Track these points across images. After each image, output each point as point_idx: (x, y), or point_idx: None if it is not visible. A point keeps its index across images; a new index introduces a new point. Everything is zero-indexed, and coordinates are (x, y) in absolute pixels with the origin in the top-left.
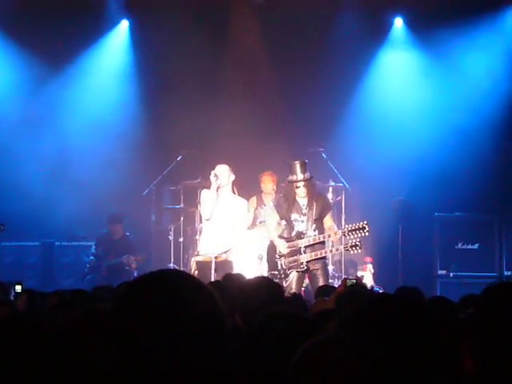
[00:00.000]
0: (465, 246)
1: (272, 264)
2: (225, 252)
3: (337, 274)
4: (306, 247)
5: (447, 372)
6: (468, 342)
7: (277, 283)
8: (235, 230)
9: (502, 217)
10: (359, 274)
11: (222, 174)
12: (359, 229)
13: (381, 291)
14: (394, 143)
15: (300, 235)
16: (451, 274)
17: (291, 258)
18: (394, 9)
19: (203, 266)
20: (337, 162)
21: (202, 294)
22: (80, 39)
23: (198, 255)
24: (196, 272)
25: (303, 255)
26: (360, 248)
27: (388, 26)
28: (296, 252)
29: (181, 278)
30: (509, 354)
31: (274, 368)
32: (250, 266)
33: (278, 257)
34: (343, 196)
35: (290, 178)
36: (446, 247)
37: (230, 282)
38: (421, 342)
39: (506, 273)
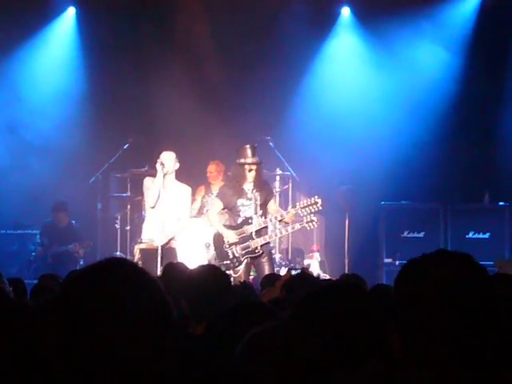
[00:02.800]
0: (410, 235)
1: (222, 254)
2: (169, 240)
3: (284, 262)
4: (255, 232)
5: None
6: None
7: (224, 271)
8: (180, 218)
9: (447, 205)
10: (306, 262)
11: (168, 161)
12: (312, 204)
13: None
14: (341, 132)
15: (247, 220)
16: (397, 262)
17: (243, 245)
18: None
19: (147, 253)
20: (284, 151)
21: (147, 281)
22: (25, 26)
23: (142, 243)
24: (140, 260)
25: (255, 240)
26: (316, 223)
27: (335, 15)
28: (247, 238)
29: (126, 267)
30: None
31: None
32: (197, 254)
33: (227, 246)
34: (290, 185)
35: (242, 160)
36: (392, 235)
37: (172, 271)
38: (364, 327)
39: None
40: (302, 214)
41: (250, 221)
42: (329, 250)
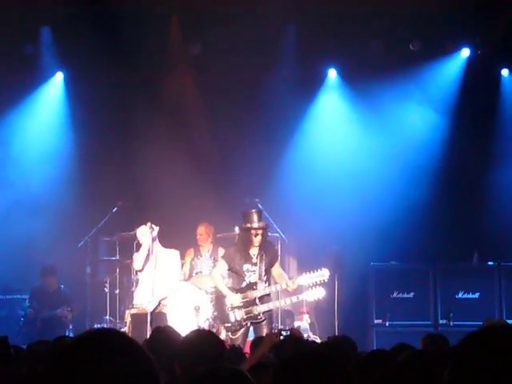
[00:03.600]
0: (400, 295)
1: (223, 316)
2: (158, 304)
3: (273, 325)
4: (259, 298)
5: None
6: None
7: (217, 337)
8: (168, 282)
9: (436, 266)
10: (296, 324)
11: (145, 232)
12: (318, 276)
13: (318, 341)
14: (330, 193)
15: (252, 286)
16: (387, 323)
17: (246, 309)
18: (328, 60)
19: (137, 318)
20: (273, 213)
21: (138, 355)
22: (14, 91)
23: (133, 307)
24: (130, 325)
25: (259, 306)
26: (322, 295)
27: (322, 76)
28: (250, 303)
29: (117, 340)
30: None
31: None
32: (187, 318)
33: (230, 309)
34: (279, 246)
35: (249, 225)
36: (382, 296)
37: (160, 335)
38: None
39: (440, 321)
40: (306, 285)
41: (254, 286)
42: (318, 311)
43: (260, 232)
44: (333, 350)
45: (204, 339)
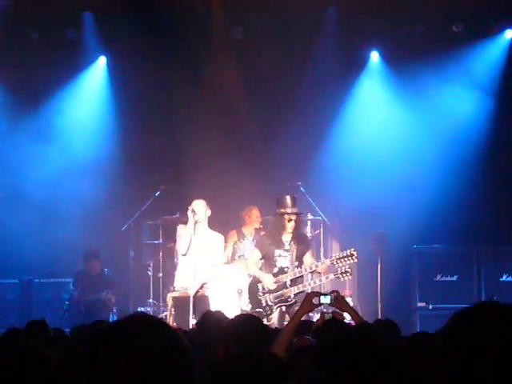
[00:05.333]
0: (443, 278)
1: (255, 302)
2: (201, 288)
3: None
4: (290, 281)
5: None
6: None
7: (261, 321)
8: (212, 265)
9: (480, 248)
10: None
11: (199, 209)
12: (347, 256)
13: None
14: (372, 176)
15: (283, 270)
16: (430, 307)
17: (277, 293)
18: (370, 43)
19: (180, 301)
20: (315, 196)
21: (174, 345)
22: (58, 76)
23: (174, 291)
24: (173, 309)
25: (289, 289)
26: (350, 274)
27: (365, 59)
28: (281, 287)
29: (153, 330)
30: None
31: None
32: (229, 301)
33: (261, 294)
34: (322, 230)
35: (282, 210)
36: (425, 279)
37: (210, 319)
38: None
39: None
40: (336, 266)
41: (285, 270)
42: (361, 294)
43: (293, 218)
44: (374, 333)
45: (247, 323)
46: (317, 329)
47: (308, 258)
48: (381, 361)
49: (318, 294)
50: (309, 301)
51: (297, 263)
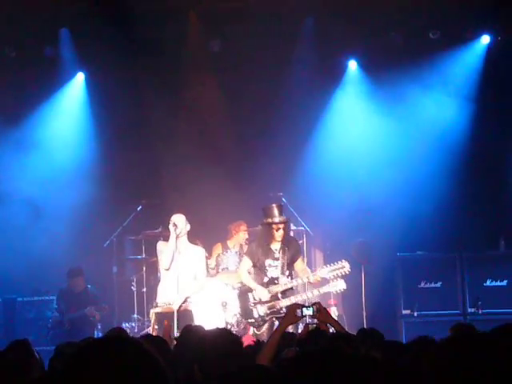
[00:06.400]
0: (428, 285)
1: (247, 312)
2: (184, 302)
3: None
4: (281, 292)
5: None
6: None
7: (235, 335)
8: (195, 279)
9: (463, 254)
10: None
11: (180, 223)
12: (339, 268)
13: None
14: (354, 185)
15: (274, 281)
16: (415, 314)
17: (269, 305)
18: (347, 52)
19: (163, 317)
20: (297, 206)
21: (146, 363)
22: (37, 93)
23: (157, 306)
24: (156, 324)
25: (281, 301)
26: (344, 288)
27: (343, 68)
28: (273, 298)
29: (125, 349)
30: None
31: None
32: (214, 314)
33: (252, 304)
34: (305, 240)
35: (270, 220)
36: (409, 287)
37: (188, 335)
38: None
39: (469, 310)
40: (328, 278)
41: (276, 281)
42: (346, 304)
43: (281, 226)
44: (349, 342)
45: (220, 338)
46: (300, 340)
47: (299, 264)
48: (349, 371)
49: (300, 307)
50: (291, 313)
51: (287, 272)
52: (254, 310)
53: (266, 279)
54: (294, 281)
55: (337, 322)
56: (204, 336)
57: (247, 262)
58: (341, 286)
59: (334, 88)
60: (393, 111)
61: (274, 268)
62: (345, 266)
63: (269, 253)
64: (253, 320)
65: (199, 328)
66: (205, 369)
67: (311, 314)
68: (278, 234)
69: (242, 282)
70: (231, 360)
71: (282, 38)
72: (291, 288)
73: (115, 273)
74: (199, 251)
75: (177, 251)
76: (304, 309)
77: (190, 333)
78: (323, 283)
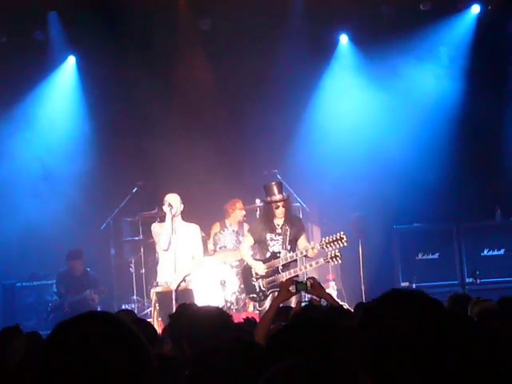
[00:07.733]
0: (425, 257)
1: (249, 287)
2: (183, 280)
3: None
4: (282, 266)
5: None
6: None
7: (225, 311)
8: (192, 258)
9: (460, 224)
10: None
11: (174, 202)
12: (337, 240)
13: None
14: (349, 159)
15: (275, 255)
16: (414, 285)
17: (269, 279)
18: (338, 26)
19: (163, 296)
20: (292, 183)
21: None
22: (29, 77)
23: (157, 286)
24: (157, 304)
25: (281, 274)
26: (340, 258)
27: (334, 42)
28: (273, 272)
29: (107, 325)
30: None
31: None
32: (213, 293)
33: (254, 279)
34: (301, 215)
35: (269, 198)
36: (407, 259)
37: (181, 313)
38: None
39: (467, 280)
40: (326, 250)
41: (277, 255)
42: (345, 278)
43: (280, 204)
44: (341, 315)
45: (209, 315)
46: (294, 315)
47: (302, 241)
48: (336, 340)
49: (294, 282)
50: (285, 289)
51: (289, 247)
52: (256, 284)
53: (267, 254)
54: (292, 254)
55: (331, 296)
56: (193, 313)
57: (249, 240)
58: (338, 258)
59: (325, 63)
60: (385, 84)
61: (275, 242)
62: (343, 238)
63: (271, 228)
64: (254, 295)
65: (192, 306)
66: (194, 346)
67: (305, 289)
68: (279, 212)
69: (240, 260)
70: (220, 337)
71: (272, 15)
72: (294, 261)
73: (113, 255)
74: (194, 229)
75: (173, 231)
76: (297, 284)
77: (184, 310)
78: (320, 256)
